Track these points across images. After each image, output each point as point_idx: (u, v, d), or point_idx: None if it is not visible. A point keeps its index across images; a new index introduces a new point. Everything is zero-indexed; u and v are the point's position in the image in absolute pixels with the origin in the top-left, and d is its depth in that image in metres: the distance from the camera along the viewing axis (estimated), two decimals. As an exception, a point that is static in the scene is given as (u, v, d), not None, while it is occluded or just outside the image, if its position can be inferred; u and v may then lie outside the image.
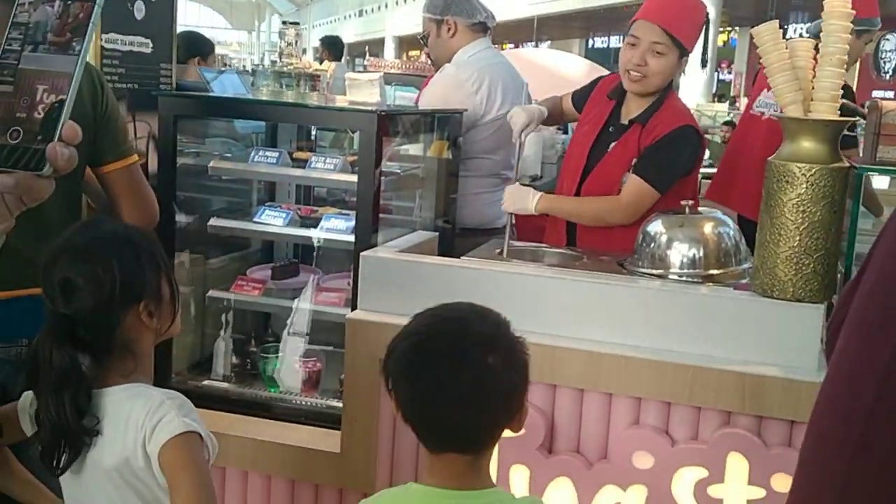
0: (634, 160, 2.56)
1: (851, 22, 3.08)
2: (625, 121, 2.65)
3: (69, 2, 0.79)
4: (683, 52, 2.57)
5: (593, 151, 2.64)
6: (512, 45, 26.99)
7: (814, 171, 1.86)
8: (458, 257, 2.40)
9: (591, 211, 2.60)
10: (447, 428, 1.28)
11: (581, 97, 2.83)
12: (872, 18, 3.31)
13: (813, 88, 1.93)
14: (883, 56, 18.39)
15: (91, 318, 1.44)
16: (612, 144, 2.62)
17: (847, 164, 1.92)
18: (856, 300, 0.51)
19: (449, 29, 3.08)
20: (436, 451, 1.32)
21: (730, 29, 24.01)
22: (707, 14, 2.66)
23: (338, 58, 6.73)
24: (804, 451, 0.51)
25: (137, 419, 1.41)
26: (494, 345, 1.28)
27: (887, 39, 18.24)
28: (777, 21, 1.97)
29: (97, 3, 0.79)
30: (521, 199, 2.53)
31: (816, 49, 1.94)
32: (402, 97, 3.95)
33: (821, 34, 1.89)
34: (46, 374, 1.41)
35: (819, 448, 0.49)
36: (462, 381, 1.25)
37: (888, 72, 18.17)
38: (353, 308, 2.23)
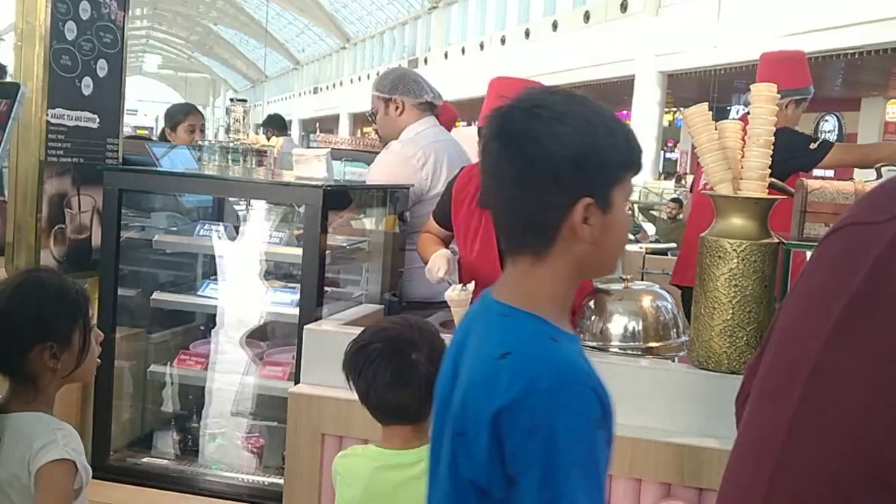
0: None
1: (787, 92, 3.24)
2: None
3: None
4: None
5: (502, 263, 2.53)
6: (465, 123, 27.49)
7: (744, 246, 1.93)
8: (404, 330, 2.40)
9: None
10: (387, 406, 1.65)
11: (443, 211, 2.68)
12: (803, 88, 3.60)
13: (742, 168, 2.01)
14: (821, 136, 19.05)
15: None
16: None
17: (776, 241, 1.99)
18: (760, 370, 0.54)
19: (397, 107, 3.15)
20: (384, 423, 1.68)
21: (675, 110, 24.75)
22: None
23: (283, 133, 6.85)
24: None
25: (29, 442, 1.63)
26: (417, 345, 1.63)
27: (826, 120, 18.94)
28: (706, 104, 2.06)
29: (17, 101, 0.81)
30: None
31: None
32: (352, 172, 3.99)
33: (749, 115, 1.98)
34: None
35: None
36: (391, 373, 1.61)
37: (827, 151, 18.80)
38: (297, 382, 2.22)
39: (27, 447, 1.64)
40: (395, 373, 1.61)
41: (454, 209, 2.60)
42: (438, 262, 2.46)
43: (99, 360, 1.85)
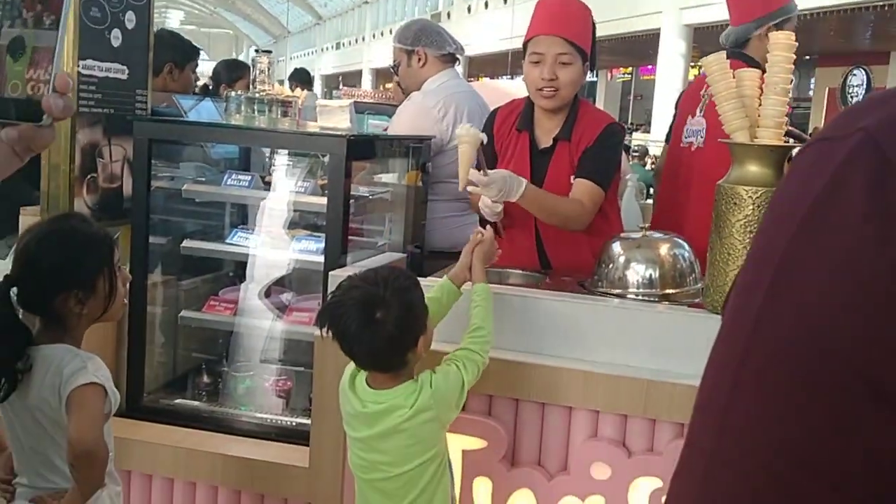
0: (572, 176, 2.59)
1: (761, 20, 2.97)
2: (545, 144, 2.65)
3: None
4: (585, 59, 2.58)
5: (533, 183, 2.59)
6: (488, 79, 27.31)
7: (760, 193, 1.96)
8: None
9: (564, 212, 2.55)
10: (356, 357, 1.82)
11: (487, 156, 2.60)
12: (775, 10, 3.01)
13: (759, 116, 2.04)
14: (850, 91, 18.73)
15: (25, 288, 1.80)
16: (547, 171, 2.62)
17: (792, 187, 2.01)
18: (738, 273, 0.59)
19: (419, 59, 3.19)
20: (361, 367, 1.85)
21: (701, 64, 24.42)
22: (593, 16, 2.65)
23: (307, 87, 6.92)
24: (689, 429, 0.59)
25: (59, 369, 1.76)
26: (384, 303, 1.73)
27: (854, 75, 18.62)
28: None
29: None
30: (511, 189, 2.36)
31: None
32: (374, 125, 4.03)
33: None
34: None
35: (694, 423, 0.57)
36: (357, 336, 1.75)
37: (855, 106, 18.50)
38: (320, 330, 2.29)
39: (57, 374, 1.75)
40: (360, 330, 1.74)
41: (497, 140, 2.68)
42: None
43: (126, 302, 1.94)
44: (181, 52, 3.89)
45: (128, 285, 1.96)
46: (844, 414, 0.47)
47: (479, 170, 2.33)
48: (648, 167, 10.65)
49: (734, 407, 0.52)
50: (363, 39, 38.96)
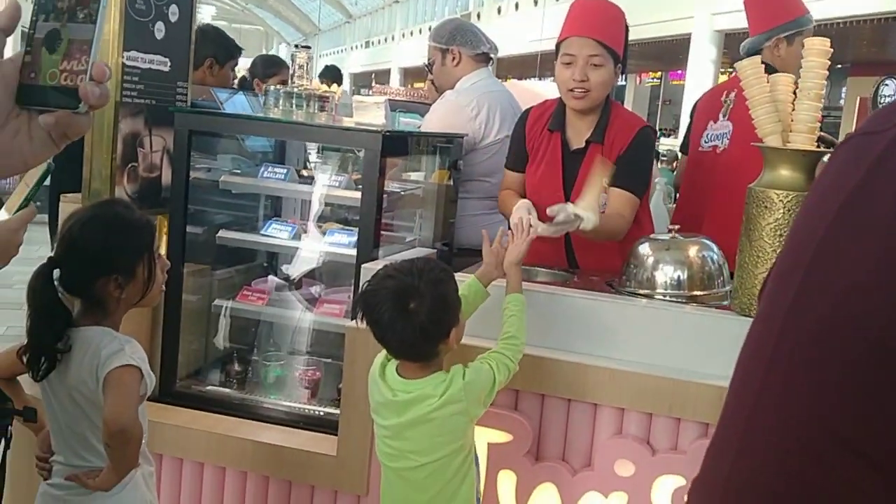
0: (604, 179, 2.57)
1: (771, 31, 3.10)
2: (577, 145, 2.66)
3: None
4: (617, 61, 2.58)
5: (565, 185, 2.66)
6: (516, 80, 27.24)
7: (790, 197, 1.98)
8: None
9: (611, 230, 2.54)
10: (389, 346, 1.87)
11: (518, 156, 2.76)
12: (790, 21, 3.14)
13: (792, 121, 2.06)
14: (881, 101, 18.55)
15: (67, 271, 1.84)
16: (578, 172, 2.62)
17: (823, 193, 2.03)
18: (775, 263, 0.62)
19: (454, 58, 3.23)
20: (393, 356, 1.90)
21: (731, 70, 24.27)
22: (625, 19, 2.64)
23: (338, 84, 7.01)
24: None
25: (97, 351, 1.81)
26: (418, 293, 1.78)
27: (886, 84, 18.43)
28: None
29: None
30: (575, 226, 2.31)
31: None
32: (405, 123, 4.07)
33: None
34: (31, 300, 1.82)
35: (730, 399, 0.60)
36: (391, 325, 1.79)
37: (887, 116, 18.29)
38: (353, 318, 2.33)
39: (95, 355, 1.81)
40: (393, 319, 1.79)
41: (529, 139, 2.70)
42: (519, 212, 2.37)
43: (164, 288, 1.99)
44: (224, 49, 3.96)
45: (165, 273, 2.01)
46: (877, 390, 0.50)
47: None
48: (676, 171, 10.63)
49: (770, 383, 0.55)
50: (392, 38, 39.07)
